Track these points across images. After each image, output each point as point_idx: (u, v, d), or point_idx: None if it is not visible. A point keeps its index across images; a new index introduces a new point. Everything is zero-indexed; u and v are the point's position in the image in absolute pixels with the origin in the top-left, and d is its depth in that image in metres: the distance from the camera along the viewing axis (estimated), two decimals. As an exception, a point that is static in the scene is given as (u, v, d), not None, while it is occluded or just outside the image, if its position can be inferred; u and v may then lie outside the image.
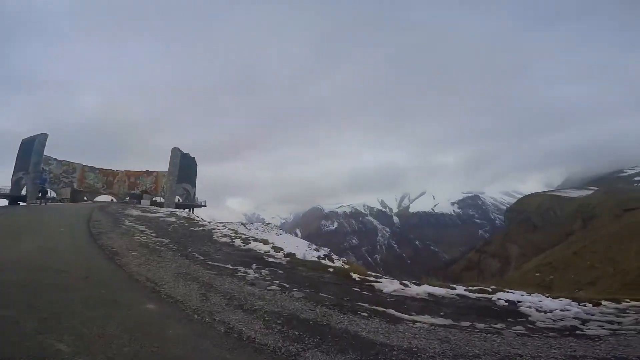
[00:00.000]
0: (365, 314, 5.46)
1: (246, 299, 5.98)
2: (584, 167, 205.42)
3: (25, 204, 35.54)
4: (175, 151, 47.62)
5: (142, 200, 42.87)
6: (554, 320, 5.56)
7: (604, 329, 5.09)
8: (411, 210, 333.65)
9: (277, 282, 7.44)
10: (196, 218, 23.41)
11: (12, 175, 44.77)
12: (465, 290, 7.32)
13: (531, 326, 5.28)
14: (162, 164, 48.61)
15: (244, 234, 16.54)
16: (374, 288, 7.42)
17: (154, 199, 46.09)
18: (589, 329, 5.10)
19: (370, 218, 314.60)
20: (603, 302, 6.64)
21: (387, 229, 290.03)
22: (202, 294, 6.12)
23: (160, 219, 19.75)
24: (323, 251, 79.04)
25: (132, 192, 47.16)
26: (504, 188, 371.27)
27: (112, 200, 44.73)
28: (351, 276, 8.29)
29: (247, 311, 5.34)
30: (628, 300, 6.91)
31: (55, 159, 46.42)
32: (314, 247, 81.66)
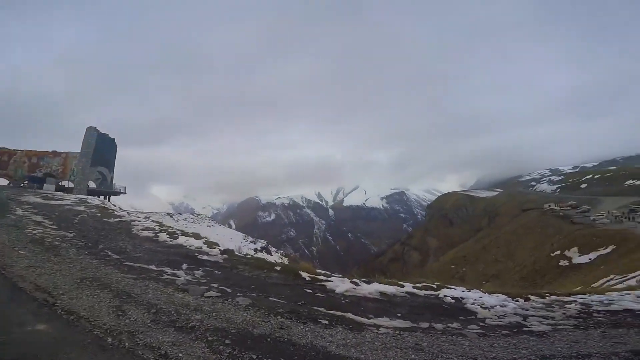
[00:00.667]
0: (326, 321, 4.94)
1: (179, 311, 4.87)
2: (492, 170, 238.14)
3: None
4: (91, 130, 40.94)
5: (44, 185, 35.82)
6: (498, 317, 5.79)
7: (544, 324, 5.42)
8: (345, 203, 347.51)
9: (215, 285, 6.36)
10: (112, 207, 20.18)
11: None
12: (413, 287, 7.23)
13: (483, 324, 5.40)
14: (74, 146, 41.40)
15: (171, 227, 14.40)
16: (326, 288, 6.91)
17: (60, 184, 38.98)
18: (532, 324, 5.39)
19: (308, 210, 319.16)
20: (531, 297, 7.22)
21: (323, 222, 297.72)
22: (116, 306, 4.84)
23: (66, 207, 16.45)
24: (260, 244, 77.13)
25: (33, 174, 39.15)
26: (426, 186, 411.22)
27: (9, 184, 36.51)
28: (300, 275, 7.65)
29: (182, 329, 4.27)
30: (549, 294, 7.67)
31: None
32: (250, 239, 79.19)
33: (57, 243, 8.80)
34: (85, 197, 23.37)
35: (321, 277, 7.66)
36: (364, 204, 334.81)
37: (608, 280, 17.92)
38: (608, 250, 28.88)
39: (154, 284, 6.18)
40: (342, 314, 5.31)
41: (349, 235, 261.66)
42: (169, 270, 7.24)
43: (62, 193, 26.56)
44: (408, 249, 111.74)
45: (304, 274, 7.70)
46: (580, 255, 32.51)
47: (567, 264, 33.05)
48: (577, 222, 46.53)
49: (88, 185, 39.99)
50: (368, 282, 7.52)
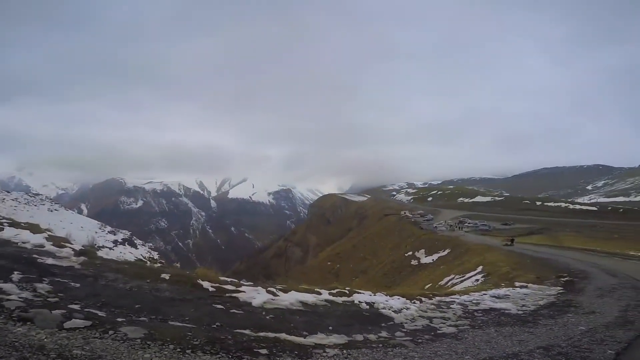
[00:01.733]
0: (265, 351, 3.99)
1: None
2: (364, 178, 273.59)
3: None
4: None
5: None
6: (411, 321, 6.40)
7: (448, 325, 6.21)
8: (230, 195, 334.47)
9: (77, 307, 4.28)
10: None
11: None
12: (329, 294, 7.28)
13: (405, 330, 5.81)
14: None
15: None
16: (239, 301, 5.91)
17: None
18: (440, 327, 6.12)
19: (185, 199, 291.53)
20: (423, 299, 8.29)
21: (203, 213, 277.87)
22: None
23: None
24: (122, 235, 65.48)
25: None
26: (311, 186, 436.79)
27: None
28: (200, 285, 6.29)
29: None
30: (431, 295, 9.05)
31: None
32: (109, 229, 66.46)
33: None
34: None
35: (229, 287, 6.53)
36: (250, 197, 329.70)
37: (451, 279, 22.61)
38: (445, 253, 36.77)
39: None
40: (275, 334, 4.60)
41: (232, 228, 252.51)
42: None
43: None
44: (290, 245, 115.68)
45: (204, 283, 6.39)
46: (426, 256, 40.26)
47: (417, 263, 40.46)
48: (424, 228, 57.67)
49: None
50: (285, 291, 6.99)
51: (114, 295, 5.11)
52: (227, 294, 6.12)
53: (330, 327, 5.40)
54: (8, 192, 58.64)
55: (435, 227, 57.79)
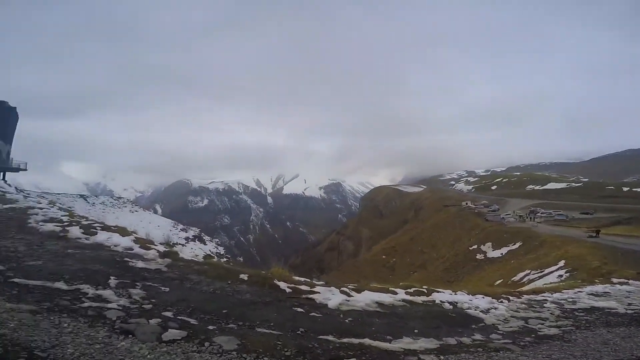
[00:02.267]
0: None
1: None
2: (418, 168, 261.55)
3: None
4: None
5: None
6: (504, 322, 5.88)
7: (548, 326, 5.60)
8: (285, 191, 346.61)
9: (170, 315, 4.30)
10: (2, 188, 15.85)
11: None
12: (406, 294, 6.96)
13: (501, 332, 5.34)
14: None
15: (86, 217, 11.16)
16: (316, 303, 5.84)
17: None
18: (540, 328, 5.54)
19: (245, 197, 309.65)
20: (511, 298, 7.54)
21: (261, 209, 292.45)
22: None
23: None
24: (192, 232, 71.82)
25: None
26: (361, 179, 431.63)
27: None
28: (277, 286, 6.31)
29: None
30: (519, 294, 8.20)
31: None
32: (181, 227, 73.18)
33: None
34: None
35: (304, 287, 6.47)
36: (303, 192, 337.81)
37: (527, 274, 20.50)
38: (516, 246, 33.49)
39: (69, 320, 3.68)
40: (359, 340, 4.36)
41: (288, 223, 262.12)
42: (89, 289, 4.77)
43: None
44: (343, 238, 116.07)
45: (281, 284, 6.41)
46: (493, 250, 37.15)
47: (483, 257, 37.53)
48: (489, 219, 53.22)
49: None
50: (358, 291, 6.74)
51: (201, 300, 5.19)
52: (303, 295, 6.10)
53: (415, 330, 5.09)
54: (96, 196, 67.83)
55: (503, 218, 52.96)
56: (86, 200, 59.74)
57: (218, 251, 61.78)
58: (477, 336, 5.04)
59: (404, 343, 4.53)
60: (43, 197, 23.89)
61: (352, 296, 6.31)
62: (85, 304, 4.29)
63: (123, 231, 9.26)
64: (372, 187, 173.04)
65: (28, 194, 20.02)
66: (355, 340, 4.34)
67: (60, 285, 4.88)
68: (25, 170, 38.97)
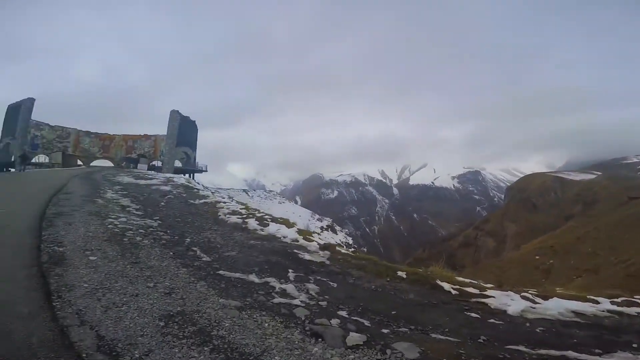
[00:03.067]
0: None
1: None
2: (586, 151, 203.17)
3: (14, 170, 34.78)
4: (174, 114, 45.60)
5: (138, 165, 41.56)
6: None
7: None
8: (411, 182, 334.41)
9: (345, 314, 4.32)
10: (196, 186, 21.67)
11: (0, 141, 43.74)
12: (611, 303, 5.71)
13: None
14: (161, 129, 46.98)
15: (257, 210, 12.76)
16: (491, 308, 5.21)
17: (152, 164, 44.79)
18: None
19: (370, 188, 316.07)
20: None
21: (386, 200, 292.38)
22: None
23: (153, 187, 16.41)
24: (326, 221, 79.78)
25: (129, 156, 45.84)
26: (504, 166, 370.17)
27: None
28: (440, 286, 5.83)
29: None
30: None
31: (47, 125, 45.06)
32: (317, 217, 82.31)
33: (138, 239, 6.79)
34: (171, 175, 25.89)
35: (471, 290, 5.79)
36: (432, 183, 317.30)
37: None
38: None
39: (269, 319, 3.93)
40: (560, 353, 3.82)
41: (414, 215, 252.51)
42: (275, 283, 5.14)
43: (152, 172, 30.16)
44: (482, 234, 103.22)
45: (444, 284, 5.89)
46: None
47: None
48: None
49: (174, 164, 45.06)
50: (544, 297, 5.77)
51: (367, 298, 5.11)
52: (472, 299, 5.53)
53: (634, 345, 4.28)
54: (254, 190, 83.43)
55: None
56: (247, 193, 74.60)
57: (346, 241, 66.16)
58: None
59: (619, 358, 3.89)
60: (218, 192, 31.21)
61: (538, 303, 5.51)
62: (276, 300, 4.56)
63: (287, 223, 9.93)
64: (522, 175, 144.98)
65: (212, 190, 26.30)
66: (556, 353, 3.84)
67: (254, 278, 5.28)
68: (206, 171, 51.85)
